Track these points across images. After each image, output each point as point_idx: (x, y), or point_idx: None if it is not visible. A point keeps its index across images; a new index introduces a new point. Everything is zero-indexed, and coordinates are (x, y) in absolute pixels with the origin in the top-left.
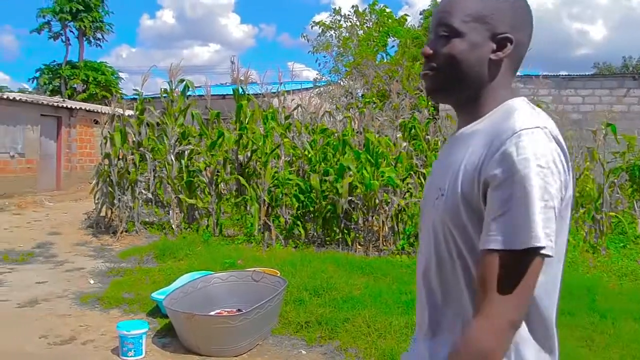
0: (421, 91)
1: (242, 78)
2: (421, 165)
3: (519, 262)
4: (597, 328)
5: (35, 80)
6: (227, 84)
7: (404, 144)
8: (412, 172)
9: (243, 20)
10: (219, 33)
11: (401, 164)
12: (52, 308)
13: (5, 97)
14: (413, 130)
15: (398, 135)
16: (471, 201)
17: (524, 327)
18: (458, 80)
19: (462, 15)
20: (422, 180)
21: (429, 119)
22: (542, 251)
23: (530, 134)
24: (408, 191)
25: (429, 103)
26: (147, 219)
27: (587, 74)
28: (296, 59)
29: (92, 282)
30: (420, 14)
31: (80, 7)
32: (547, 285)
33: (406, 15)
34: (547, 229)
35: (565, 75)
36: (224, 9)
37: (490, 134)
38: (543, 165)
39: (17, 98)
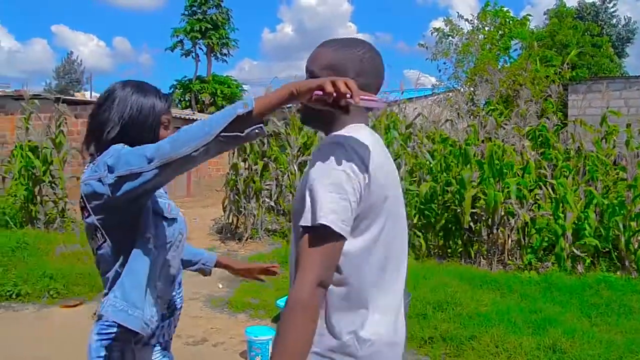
0: (549, 95)
1: None
2: (551, 176)
3: (313, 235)
4: None
5: (171, 96)
6: None
7: (532, 153)
8: (540, 184)
9: (360, 30)
10: None
11: (528, 174)
12: (185, 309)
13: None
14: (541, 137)
15: (525, 144)
16: None
17: (335, 296)
18: (318, 112)
19: (319, 64)
20: (551, 192)
21: (558, 126)
22: (334, 229)
23: (330, 146)
24: (536, 203)
25: (557, 108)
26: (269, 227)
27: None
28: (412, 66)
29: (220, 286)
30: (545, 13)
31: (209, 26)
32: (359, 267)
33: (529, 15)
34: (337, 215)
35: None
36: (341, 19)
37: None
38: (337, 168)
39: None
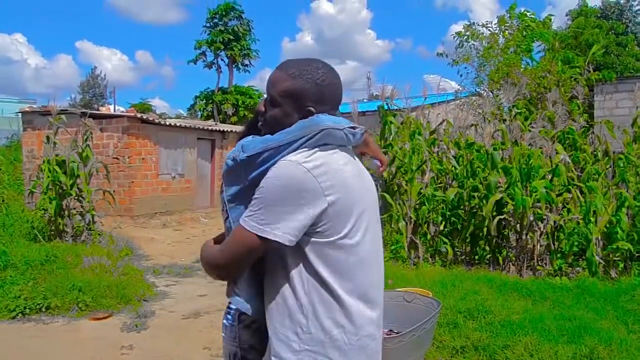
0: (575, 97)
1: (388, 94)
2: (580, 179)
3: (238, 233)
4: None
5: (192, 107)
6: (365, 101)
7: (561, 156)
8: (569, 187)
9: (379, 36)
10: (355, 50)
11: (557, 177)
12: (213, 321)
13: (168, 123)
14: (568, 140)
15: (554, 147)
16: None
17: (323, 293)
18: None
19: (279, 90)
20: (580, 195)
21: (585, 127)
22: (259, 233)
23: (283, 164)
24: (565, 207)
25: (583, 110)
26: None
27: None
28: (432, 70)
29: None
30: (567, 14)
31: (231, 37)
32: (340, 269)
33: (551, 15)
34: (272, 224)
35: None
36: (360, 27)
37: None
38: (282, 184)
39: (178, 124)
